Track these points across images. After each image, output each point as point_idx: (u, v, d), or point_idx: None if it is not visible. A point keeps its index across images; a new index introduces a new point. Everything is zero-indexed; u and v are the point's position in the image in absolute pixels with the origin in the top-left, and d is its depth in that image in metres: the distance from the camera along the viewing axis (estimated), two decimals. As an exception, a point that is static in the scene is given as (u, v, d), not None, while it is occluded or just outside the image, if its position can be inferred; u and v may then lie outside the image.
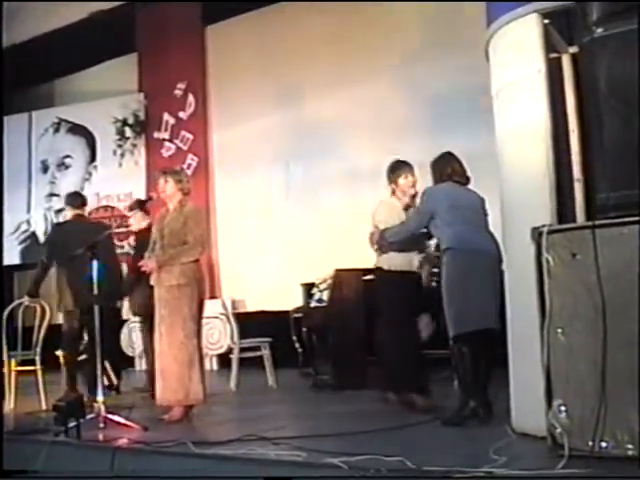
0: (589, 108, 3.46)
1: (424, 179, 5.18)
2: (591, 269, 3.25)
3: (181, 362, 5.14)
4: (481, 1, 4.53)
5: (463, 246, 4.58)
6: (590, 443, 3.21)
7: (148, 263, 5.34)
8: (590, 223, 3.35)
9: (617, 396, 3.18)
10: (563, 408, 3.31)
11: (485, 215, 4.92)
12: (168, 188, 5.40)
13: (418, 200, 5.08)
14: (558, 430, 3.29)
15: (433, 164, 4.96)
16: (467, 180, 4.93)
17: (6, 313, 6.62)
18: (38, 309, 6.59)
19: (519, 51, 4.01)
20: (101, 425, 4.82)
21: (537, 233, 3.44)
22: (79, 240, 5.56)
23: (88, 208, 11.69)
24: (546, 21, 3.91)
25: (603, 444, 3.19)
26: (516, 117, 4.06)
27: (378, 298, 5.47)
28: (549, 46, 3.95)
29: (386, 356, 5.36)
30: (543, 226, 3.45)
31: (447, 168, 4.87)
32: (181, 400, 5.16)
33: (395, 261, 5.22)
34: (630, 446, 3.13)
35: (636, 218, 3.16)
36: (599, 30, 3.32)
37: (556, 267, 3.37)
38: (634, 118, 3.21)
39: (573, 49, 3.88)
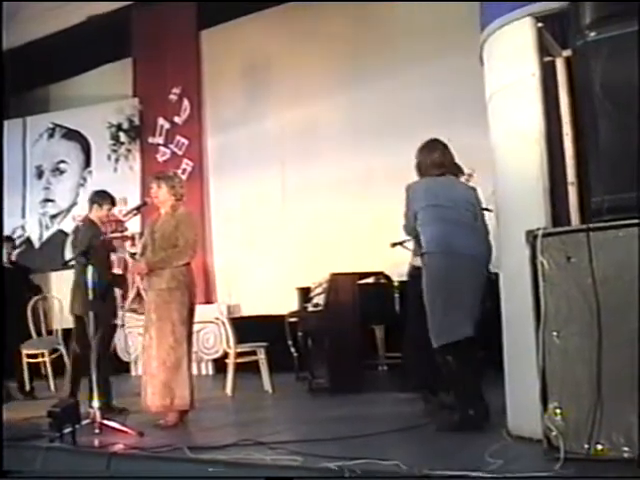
0: (583, 111, 3.47)
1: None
2: (586, 272, 3.26)
3: (169, 367, 5.12)
4: (476, 0, 4.52)
5: (441, 249, 4.36)
6: (586, 445, 3.21)
7: (138, 266, 5.35)
8: (585, 226, 3.36)
9: (613, 398, 3.18)
10: (558, 411, 3.31)
11: (476, 208, 4.61)
12: (161, 194, 5.41)
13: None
14: (554, 433, 3.30)
15: (416, 155, 4.72)
16: (456, 170, 4.67)
17: None
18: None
19: (513, 54, 4.03)
20: (96, 431, 4.80)
21: (532, 236, 3.44)
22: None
23: (83, 213, 11.77)
24: (540, 25, 3.92)
25: (599, 446, 3.20)
26: (510, 120, 4.07)
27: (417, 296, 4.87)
28: (543, 50, 3.97)
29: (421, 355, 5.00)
30: (538, 229, 3.45)
31: (426, 160, 4.61)
32: (167, 406, 5.15)
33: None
34: (626, 448, 3.14)
35: (631, 221, 3.17)
36: (592, 34, 3.33)
37: (551, 270, 3.37)
38: (628, 121, 3.22)
39: (567, 52, 3.89)
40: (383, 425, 4.64)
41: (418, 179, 4.66)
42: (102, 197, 6.45)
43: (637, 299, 3.13)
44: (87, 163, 12.07)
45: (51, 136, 12.43)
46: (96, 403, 4.93)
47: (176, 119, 11.25)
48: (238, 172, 10.54)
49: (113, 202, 6.53)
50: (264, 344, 7.26)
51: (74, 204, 12.02)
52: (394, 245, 6.91)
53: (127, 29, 11.54)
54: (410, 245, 6.45)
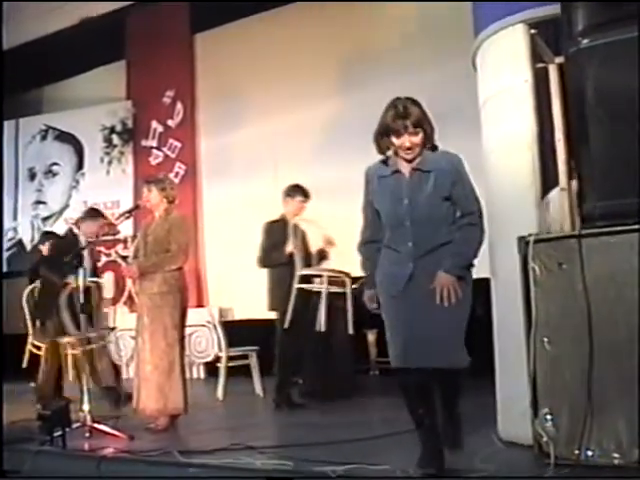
0: (575, 118, 3.48)
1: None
2: (577, 278, 3.27)
3: (162, 371, 5.11)
4: (471, 1, 4.53)
5: None
6: (576, 451, 3.22)
7: (130, 270, 5.35)
8: (576, 232, 3.37)
9: (603, 405, 3.19)
10: (549, 417, 3.32)
11: None
12: (152, 197, 5.39)
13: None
14: (544, 439, 3.30)
15: (429, 119, 3.39)
16: None
17: None
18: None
19: (506, 61, 4.04)
20: (87, 434, 4.79)
21: (523, 242, 3.45)
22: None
23: (75, 215, 11.76)
24: (533, 31, 3.94)
25: (589, 453, 3.20)
26: (503, 126, 4.08)
27: None
28: (536, 56, 3.98)
29: None
30: (529, 235, 3.46)
31: None
32: (161, 409, 5.13)
33: None
34: (616, 455, 3.14)
35: (622, 228, 3.18)
36: (585, 41, 3.34)
37: (542, 276, 3.38)
38: (620, 128, 3.24)
39: (560, 59, 3.90)
40: (374, 430, 4.64)
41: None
42: (293, 190, 6.65)
43: (627, 306, 3.14)
44: (80, 166, 12.05)
45: (44, 138, 12.41)
46: (86, 406, 4.92)
47: (169, 122, 11.25)
48: (231, 175, 10.54)
49: (305, 194, 6.70)
50: (255, 348, 7.25)
51: (66, 206, 12.00)
52: None
53: (121, 32, 11.55)
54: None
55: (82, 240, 6.22)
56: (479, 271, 6.30)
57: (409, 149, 3.31)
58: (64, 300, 6.30)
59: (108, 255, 11.03)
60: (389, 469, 3.27)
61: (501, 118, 4.11)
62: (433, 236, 3.33)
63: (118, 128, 11.49)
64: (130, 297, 10.65)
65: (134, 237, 9.69)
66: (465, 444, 3.91)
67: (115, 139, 11.50)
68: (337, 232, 9.23)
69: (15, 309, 12.78)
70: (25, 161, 12.48)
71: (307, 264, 6.28)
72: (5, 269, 12.33)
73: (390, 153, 3.42)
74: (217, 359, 7.34)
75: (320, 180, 9.66)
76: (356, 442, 4.23)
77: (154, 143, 11.35)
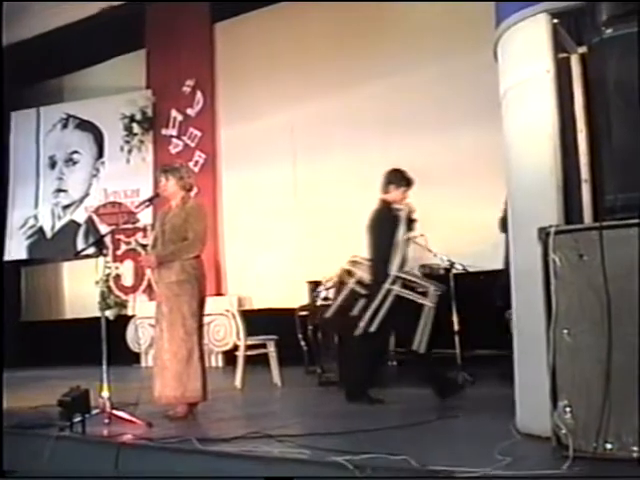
0: (597, 109, 3.45)
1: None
2: (598, 270, 3.24)
3: (180, 359, 5.13)
4: (490, 0, 4.51)
5: None
6: (594, 444, 3.20)
7: (148, 259, 5.37)
8: (597, 224, 3.34)
9: (622, 397, 3.17)
10: (568, 409, 3.30)
11: None
12: (169, 186, 5.40)
13: None
14: (563, 431, 3.28)
15: None
16: None
17: None
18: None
19: (528, 51, 4.00)
20: (106, 421, 4.82)
21: (544, 233, 3.43)
22: None
23: (95, 204, 11.84)
24: (555, 21, 3.90)
25: (608, 445, 3.18)
26: (524, 117, 4.05)
27: None
28: (558, 46, 3.94)
29: None
30: (550, 226, 3.44)
31: None
32: (179, 397, 5.15)
33: None
34: (635, 448, 3.12)
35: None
36: (608, 31, 3.31)
37: (563, 268, 3.36)
38: (642, 119, 3.21)
39: (582, 49, 3.87)
40: (392, 420, 4.64)
41: None
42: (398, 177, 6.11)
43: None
44: (100, 154, 12.12)
45: (64, 127, 12.49)
46: (106, 393, 4.95)
47: (189, 111, 11.28)
48: (250, 164, 10.56)
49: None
50: (274, 337, 7.27)
51: (86, 195, 12.08)
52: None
53: (141, 21, 11.58)
54: (422, 241, 6.43)
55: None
56: (493, 263, 6.33)
57: None
58: None
59: (128, 243, 11.09)
60: (406, 459, 3.27)
61: (522, 109, 4.07)
62: None
63: (138, 117, 11.53)
64: (149, 285, 10.71)
65: (153, 226, 9.75)
66: (483, 436, 3.93)
67: (135, 128, 11.54)
68: (351, 221, 9.27)
69: (35, 296, 12.95)
70: (46, 149, 12.57)
71: None
72: (25, 256, 12.44)
73: None
74: (235, 348, 7.37)
75: (339, 170, 9.69)
76: (373, 432, 4.24)
77: (174, 132, 11.39)
